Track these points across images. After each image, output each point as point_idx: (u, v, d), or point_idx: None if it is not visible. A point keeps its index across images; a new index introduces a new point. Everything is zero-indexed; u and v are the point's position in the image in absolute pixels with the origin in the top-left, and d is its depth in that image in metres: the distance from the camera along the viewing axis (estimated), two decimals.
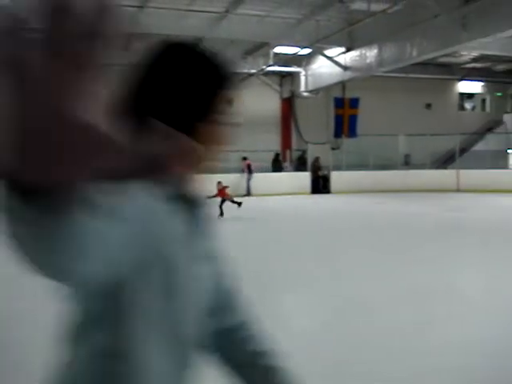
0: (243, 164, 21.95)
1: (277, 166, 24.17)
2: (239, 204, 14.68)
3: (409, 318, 5.55)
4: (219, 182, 13.94)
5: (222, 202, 14.10)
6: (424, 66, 23.46)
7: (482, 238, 11.01)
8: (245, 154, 21.78)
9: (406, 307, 5.99)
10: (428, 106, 28.15)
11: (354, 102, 24.64)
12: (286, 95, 25.36)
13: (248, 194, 21.08)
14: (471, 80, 28.69)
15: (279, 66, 22.93)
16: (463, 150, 26.20)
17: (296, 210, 17.51)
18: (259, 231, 12.55)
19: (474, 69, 27.00)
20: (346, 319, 5.61)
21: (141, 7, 15.58)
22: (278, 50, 20.91)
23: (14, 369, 4.17)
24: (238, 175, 20.82)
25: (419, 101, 27.70)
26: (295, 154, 24.81)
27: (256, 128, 24.26)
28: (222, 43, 20.03)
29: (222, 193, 14.10)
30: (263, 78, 24.34)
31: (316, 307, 6.38)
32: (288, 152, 25.06)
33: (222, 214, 13.72)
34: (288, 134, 25.53)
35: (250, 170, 21.99)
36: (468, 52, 23.05)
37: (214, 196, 13.45)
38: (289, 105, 25.53)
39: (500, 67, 27.48)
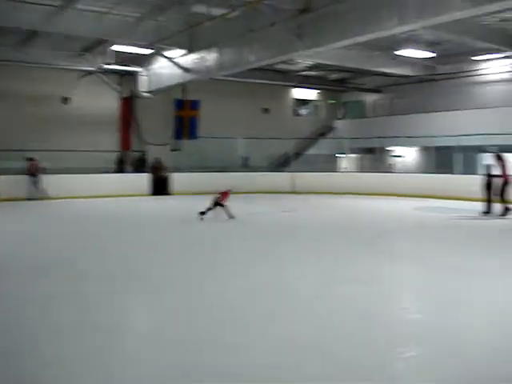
0: (30, 165, 19.79)
1: (121, 167, 23.56)
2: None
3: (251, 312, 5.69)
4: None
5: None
6: (262, 71, 24.20)
7: (314, 234, 11.91)
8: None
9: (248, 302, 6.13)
10: (265, 110, 29.07)
11: (195, 104, 24.81)
12: (125, 95, 24.88)
13: (35, 197, 19.39)
14: (306, 87, 30.06)
15: (119, 64, 22.47)
16: (298, 154, 27.40)
17: (124, 211, 17.38)
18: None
19: (309, 76, 28.36)
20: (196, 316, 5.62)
21: None
22: (118, 48, 20.47)
23: None
24: (25, 176, 19.51)
25: (257, 105, 28.53)
26: (135, 156, 24.39)
27: (94, 128, 23.64)
28: (58, 37, 19.27)
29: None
30: (102, 76, 23.70)
31: (160, 305, 6.30)
32: (127, 153, 24.56)
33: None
34: (128, 135, 25.05)
35: (35, 172, 19.68)
36: (303, 60, 24.15)
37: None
38: (129, 105, 25.06)
39: (333, 76, 29.13)
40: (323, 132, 30.37)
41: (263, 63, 18.11)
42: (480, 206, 15.18)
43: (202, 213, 13.71)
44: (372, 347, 4.87)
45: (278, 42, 16.05)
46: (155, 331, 5.47)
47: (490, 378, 4.26)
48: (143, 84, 23.72)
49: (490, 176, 15.05)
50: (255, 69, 20.39)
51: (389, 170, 25.72)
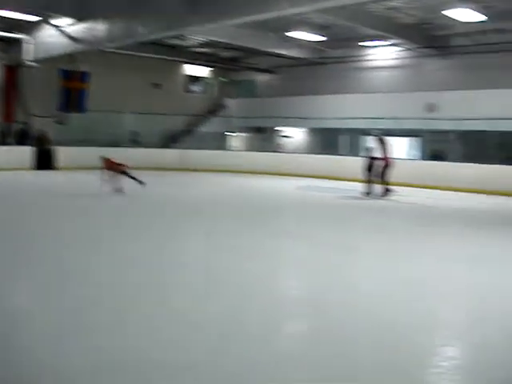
0: None
1: (2, 139, 22.31)
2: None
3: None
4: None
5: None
6: (154, 46, 23.76)
7: (192, 210, 11.91)
8: None
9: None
10: (156, 85, 28.55)
11: (84, 77, 23.93)
12: (9, 63, 23.53)
13: None
14: (199, 64, 29.83)
15: (2, 30, 21.22)
16: (189, 131, 27.22)
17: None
18: None
19: (201, 53, 28.13)
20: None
21: None
22: (2, 13, 19.28)
23: None
24: None
25: (148, 80, 27.96)
26: (18, 127, 23.20)
27: None
28: None
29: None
30: None
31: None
32: (10, 125, 23.32)
33: None
34: (11, 106, 23.77)
35: None
36: (196, 36, 23.92)
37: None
38: (13, 74, 23.73)
39: (226, 54, 29.08)
40: (214, 110, 30.31)
41: (154, 37, 17.80)
42: (362, 187, 15.81)
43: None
44: (251, 322, 4.95)
45: (169, 15, 15.78)
46: None
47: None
48: (29, 52, 22.52)
49: (371, 158, 15.68)
50: (147, 43, 19.99)
51: (278, 149, 26.10)
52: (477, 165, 18.43)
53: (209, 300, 5.55)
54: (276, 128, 28.40)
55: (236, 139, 28.76)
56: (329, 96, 25.55)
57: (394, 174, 15.57)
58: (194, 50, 27.35)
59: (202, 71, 31.21)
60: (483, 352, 4.39)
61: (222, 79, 32.03)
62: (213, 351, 4.16)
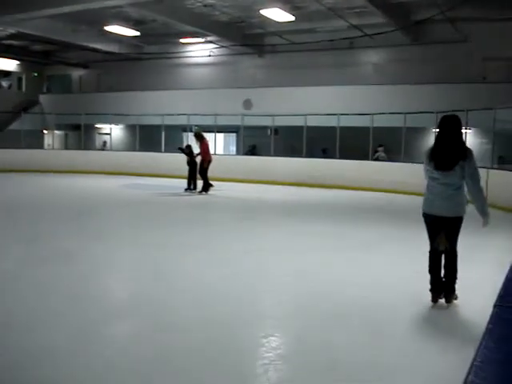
0: None
1: None
2: None
3: None
4: None
5: None
6: None
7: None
8: None
9: None
10: None
11: None
12: None
13: None
14: (7, 57, 28.02)
15: None
16: None
17: None
18: None
19: (10, 46, 26.43)
20: None
21: None
22: None
23: None
24: None
25: None
26: None
27: None
28: None
29: None
30: None
31: None
32: None
33: None
34: None
35: None
36: (4, 28, 22.44)
37: None
38: None
39: (37, 47, 27.60)
40: (26, 106, 28.63)
41: None
42: (184, 183, 15.89)
43: None
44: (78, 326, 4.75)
45: None
46: None
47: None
48: None
49: (191, 154, 15.76)
50: None
51: (102, 147, 25.28)
52: (288, 159, 19.56)
53: None
54: (95, 125, 27.54)
55: (51, 137, 27.36)
56: (147, 92, 25.33)
57: (213, 170, 15.83)
58: (2, 42, 25.57)
59: (11, 65, 29.36)
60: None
61: (34, 74, 30.40)
62: None
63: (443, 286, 5.33)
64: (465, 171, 5.03)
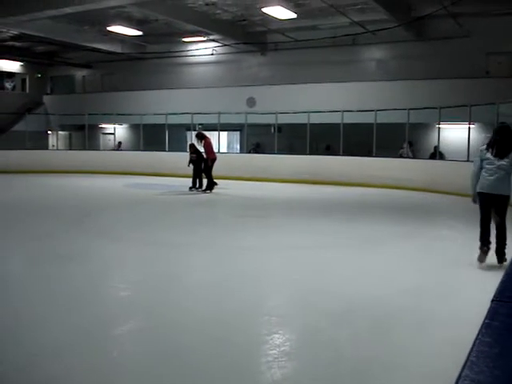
0: None
1: None
2: None
3: None
4: None
5: None
6: None
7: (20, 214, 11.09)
8: None
9: None
10: None
11: None
12: None
13: None
14: (11, 59, 28.10)
15: None
16: (2, 130, 25.56)
17: None
18: None
19: (14, 47, 26.49)
20: None
21: None
22: None
23: None
24: None
25: None
26: None
27: None
28: None
29: None
30: None
31: None
32: None
33: None
34: None
35: None
36: (7, 29, 22.49)
37: None
38: None
39: (41, 48, 27.65)
40: (30, 107, 28.70)
41: None
42: (188, 182, 15.91)
43: None
44: (82, 328, 4.78)
45: None
46: None
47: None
48: None
49: (195, 153, 15.77)
50: None
51: (117, 148, 25.30)
52: (292, 156, 19.58)
53: None
54: (99, 125, 27.59)
55: (56, 138, 27.42)
56: (150, 91, 25.36)
57: (217, 168, 15.84)
58: (5, 43, 25.62)
59: (15, 66, 29.44)
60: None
61: (38, 75, 30.47)
62: None
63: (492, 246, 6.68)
64: None
